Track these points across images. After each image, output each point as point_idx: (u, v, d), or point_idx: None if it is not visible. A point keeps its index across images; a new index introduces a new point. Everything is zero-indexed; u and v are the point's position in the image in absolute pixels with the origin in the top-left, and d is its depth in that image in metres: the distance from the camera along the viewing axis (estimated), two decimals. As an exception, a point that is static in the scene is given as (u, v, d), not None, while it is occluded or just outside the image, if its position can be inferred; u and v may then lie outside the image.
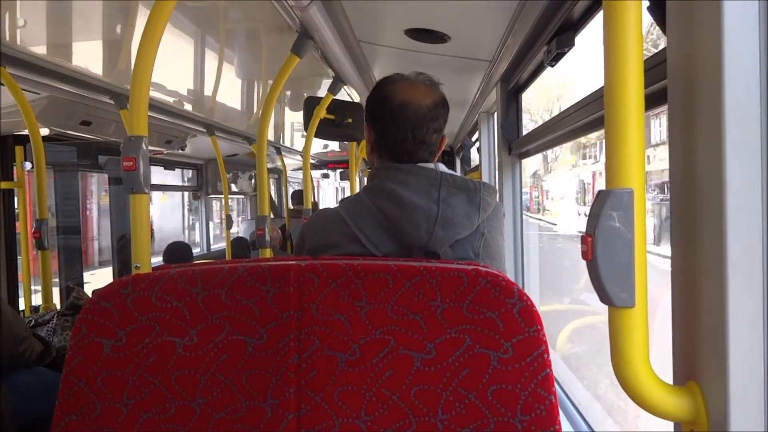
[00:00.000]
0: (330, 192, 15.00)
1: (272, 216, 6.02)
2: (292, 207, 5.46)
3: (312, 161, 6.88)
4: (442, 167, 1.28)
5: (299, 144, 5.38)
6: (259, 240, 2.25)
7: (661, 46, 0.99)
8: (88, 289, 3.30)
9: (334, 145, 6.72)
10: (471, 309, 0.96)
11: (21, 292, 3.09)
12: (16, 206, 3.04)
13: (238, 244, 4.83)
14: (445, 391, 0.95)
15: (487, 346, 0.95)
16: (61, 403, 1.00)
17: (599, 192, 0.64)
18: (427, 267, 0.99)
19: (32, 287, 3.03)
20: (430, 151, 1.30)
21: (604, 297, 0.63)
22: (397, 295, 0.98)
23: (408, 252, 1.22)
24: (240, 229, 6.57)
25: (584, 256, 0.64)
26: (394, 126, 1.27)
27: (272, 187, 7.75)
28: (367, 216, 1.24)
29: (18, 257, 3.08)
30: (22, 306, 3.11)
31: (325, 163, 7.76)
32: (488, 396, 0.94)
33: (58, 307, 2.64)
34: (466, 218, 1.22)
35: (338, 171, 8.13)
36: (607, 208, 0.62)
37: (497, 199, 1.30)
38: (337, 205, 1.37)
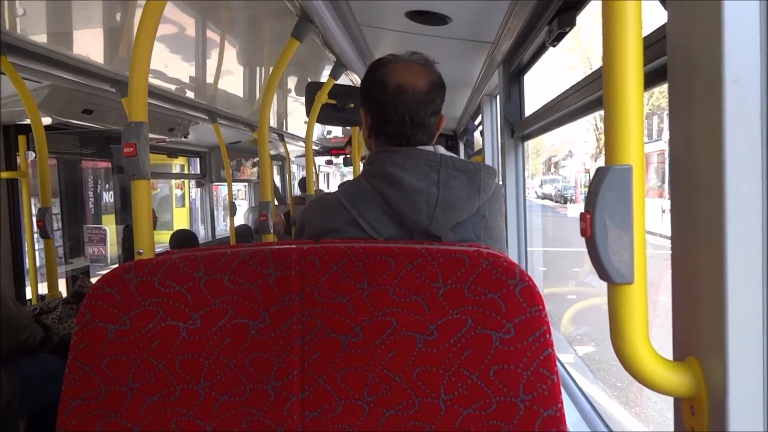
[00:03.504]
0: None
1: (276, 203, 6.02)
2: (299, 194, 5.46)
3: (315, 147, 6.87)
4: (441, 149, 1.27)
5: (303, 130, 5.38)
6: (262, 226, 2.25)
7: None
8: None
9: (337, 131, 6.71)
10: (473, 290, 0.96)
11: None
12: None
13: (241, 231, 4.83)
14: (447, 371, 0.96)
15: (489, 326, 0.95)
16: (67, 388, 1.01)
17: (598, 169, 0.63)
18: (429, 249, 0.99)
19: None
20: (429, 133, 1.29)
21: (602, 274, 0.63)
22: (399, 277, 0.98)
23: (409, 236, 1.22)
24: (245, 216, 6.57)
25: (583, 233, 0.64)
26: (391, 110, 1.25)
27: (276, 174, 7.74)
28: (367, 200, 1.23)
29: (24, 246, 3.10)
30: (29, 294, 3.13)
31: (328, 149, 7.74)
32: (490, 376, 0.95)
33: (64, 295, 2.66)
34: (466, 200, 1.21)
35: (341, 157, 8.11)
36: (605, 184, 0.62)
37: (498, 181, 1.28)
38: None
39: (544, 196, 23.59)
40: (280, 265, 1.01)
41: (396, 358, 0.97)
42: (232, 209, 4.73)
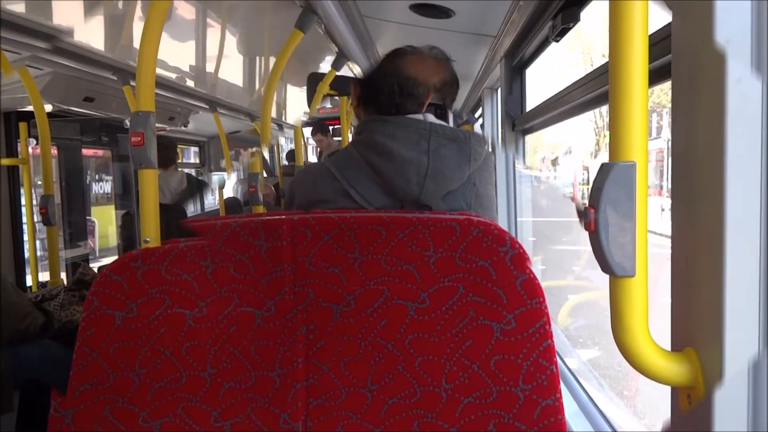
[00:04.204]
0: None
1: (265, 175, 5.94)
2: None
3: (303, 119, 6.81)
4: (431, 117, 1.25)
5: (299, 117, 5.35)
6: (251, 197, 2.26)
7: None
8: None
9: (326, 102, 6.64)
10: (464, 258, 0.97)
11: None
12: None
13: (230, 204, 4.81)
14: (439, 338, 0.97)
15: (480, 294, 0.96)
16: (75, 374, 1.03)
17: (602, 165, 0.65)
18: (420, 218, 0.99)
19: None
20: (419, 102, 1.27)
21: (605, 267, 0.64)
22: (390, 246, 0.98)
23: (400, 206, 1.21)
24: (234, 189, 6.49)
25: (587, 227, 0.65)
26: (380, 79, 1.25)
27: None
28: (356, 170, 1.21)
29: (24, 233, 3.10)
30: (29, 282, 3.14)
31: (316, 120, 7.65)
32: (483, 344, 0.97)
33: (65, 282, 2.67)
34: (457, 169, 1.20)
35: (330, 128, 8.04)
36: (610, 180, 0.63)
37: (487, 149, 1.28)
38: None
39: (541, 192, 23.74)
40: (271, 236, 1.01)
41: (388, 326, 0.98)
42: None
